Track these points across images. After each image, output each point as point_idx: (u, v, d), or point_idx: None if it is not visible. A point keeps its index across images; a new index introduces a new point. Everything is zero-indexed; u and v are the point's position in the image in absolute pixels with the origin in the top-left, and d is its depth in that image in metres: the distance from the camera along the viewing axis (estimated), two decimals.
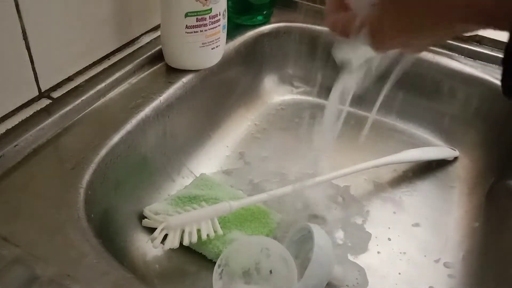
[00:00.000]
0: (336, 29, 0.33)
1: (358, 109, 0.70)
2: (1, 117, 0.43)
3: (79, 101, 0.48)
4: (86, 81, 0.50)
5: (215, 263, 0.42)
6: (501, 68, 0.27)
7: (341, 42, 0.34)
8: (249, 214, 0.50)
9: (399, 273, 0.48)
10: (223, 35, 0.56)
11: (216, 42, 0.55)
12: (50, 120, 0.45)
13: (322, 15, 0.70)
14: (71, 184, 0.40)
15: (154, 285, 0.44)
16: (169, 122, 0.52)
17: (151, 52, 0.56)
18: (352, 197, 0.56)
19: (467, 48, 0.64)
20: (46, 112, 0.46)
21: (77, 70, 0.50)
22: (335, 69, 0.45)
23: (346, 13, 0.32)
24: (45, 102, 0.47)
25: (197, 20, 0.51)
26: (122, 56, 0.55)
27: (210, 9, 0.52)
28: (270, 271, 0.43)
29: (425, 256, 0.50)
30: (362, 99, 0.69)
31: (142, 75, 0.54)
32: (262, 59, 0.69)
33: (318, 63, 0.70)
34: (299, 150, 0.62)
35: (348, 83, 0.41)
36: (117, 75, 0.52)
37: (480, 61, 0.63)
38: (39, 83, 0.46)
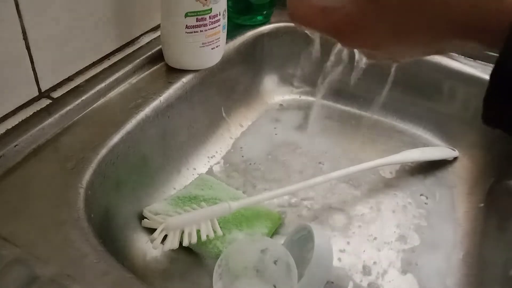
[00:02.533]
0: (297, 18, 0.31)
1: (358, 109, 0.70)
2: (1, 117, 0.43)
3: (79, 101, 0.48)
4: (86, 81, 0.50)
5: (215, 263, 0.42)
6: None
7: None
8: (249, 214, 0.50)
9: (399, 273, 0.48)
10: (223, 35, 0.56)
11: (216, 42, 0.55)
12: (50, 120, 0.45)
13: None
14: (71, 184, 0.40)
15: (154, 285, 0.44)
16: (169, 122, 0.52)
17: (151, 52, 0.56)
18: (351, 198, 0.56)
19: None
20: (46, 112, 0.46)
21: (77, 70, 0.50)
22: (335, 69, 0.45)
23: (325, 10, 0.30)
24: (45, 102, 0.47)
25: (197, 20, 0.51)
26: (122, 56, 0.55)
27: (210, 9, 0.52)
28: (270, 271, 0.43)
29: (424, 255, 0.50)
30: (362, 99, 0.69)
31: (142, 75, 0.54)
32: (262, 59, 0.69)
33: (318, 62, 0.70)
34: (299, 151, 0.62)
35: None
36: (117, 75, 0.52)
37: (480, 61, 0.63)
38: (39, 83, 0.46)
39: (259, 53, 0.68)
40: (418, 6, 0.26)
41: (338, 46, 0.37)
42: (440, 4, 0.25)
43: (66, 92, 0.48)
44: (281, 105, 0.71)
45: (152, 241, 0.43)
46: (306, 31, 0.32)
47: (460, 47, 0.28)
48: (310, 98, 0.72)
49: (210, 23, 0.52)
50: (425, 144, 0.65)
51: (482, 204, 0.55)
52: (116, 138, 0.45)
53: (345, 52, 0.40)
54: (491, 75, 0.25)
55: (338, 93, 0.70)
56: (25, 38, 0.43)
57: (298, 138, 0.65)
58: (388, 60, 0.32)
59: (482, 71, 0.61)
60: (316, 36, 0.39)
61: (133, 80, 0.53)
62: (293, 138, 0.64)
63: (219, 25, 0.54)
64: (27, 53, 0.43)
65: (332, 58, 0.41)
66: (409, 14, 0.26)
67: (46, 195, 0.39)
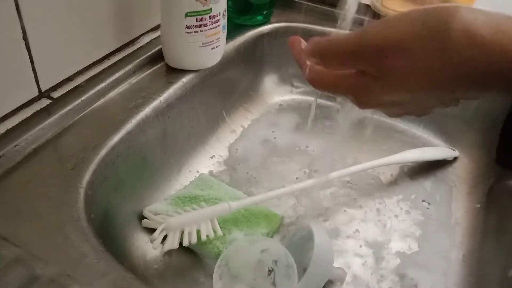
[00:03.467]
0: (318, 85, 0.33)
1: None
2: (1, 117, 0.43)
3: (79, 101, 0.48)
4: (86, 81, 0.50)
5: (215, 263, 0.42)
6: None
7: None
8: (249, 214, 0.50)
9: (399, 273, 0.48)
10: (223, 35, 0.56)
11: (216, 42, 0.55)
12: (50, 120, 0.45)
13: (322, 15, 0.71)
14: (71, 184, 0.40)
15: (154, 285, 0.44)
16: (169, 122, 0.52)
17: (151, 52, 0.56)
18: (351, 198, 0.56)
19: None
20: (46, 112, 0.46)
21: (77, 70, 0.50)
22: None
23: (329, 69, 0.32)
24: (45, 102, 0.47)
25: (197, 20, 0.51)
26: (122, 56, 0.55)
27: (210, 9, 0.52)
28: (271, 271, 0.43)
29: (425, 256, 0.50)
30: None
31: (142, 75, 0.54)
32: (262, 59, 0.69)
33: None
34: (299, 150, 0.62)
35: None
36: (117, 75, 0.52)
37: None
38: (39, 83, 0.46)
39: (259, 53, 0.68)
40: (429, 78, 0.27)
41: None
42: (454, 63, 0.26)
43: (66, 92, 0.48)
44: (281, 105, 0.71)
45: (152, 241, 0.43)
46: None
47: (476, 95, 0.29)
48: (310, 98, 0.72)
49: (210, 23, 0.52)
50: (425, 144, 0.65)
51: (481, 205, 0.55)
52: (116, 138, 0.45)
53: None
54: (503, 127, 0.26)
55: None
56: (25, 38, 0.43)
57: (298, 138, 0.64)
58: (404, 115, 0.35)
59: None
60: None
61: (133, 80, 0.53)
62: (293, 138, 0.64)
63: (219, 25, 0.54)
64: (27, 53, 0.43)
65: None
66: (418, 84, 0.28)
67: (46, 195, 0.39)
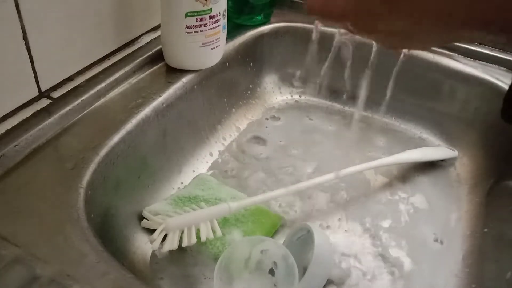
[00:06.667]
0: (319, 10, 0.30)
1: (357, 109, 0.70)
2: (1, 117, 0.43)
3: (79, 101, 0.48)
4: (86, 81, 0.50)
5: (215, 263, 0.42)
6: (501, 68, 0.27)
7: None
8: (249, 215, 0.50)
9: (399, 273, 0.48)
10: (223, 35, 0.56)
11: (216, 42, 0.55)
12: (50, 120, 0.45)
13: None
14: (71, 184, 0.40)
15: (154, 285, 0.44)
16: (169, 122, 0.52)
17: (151, 52, 0.56)
18: (351, 198, 0.56)
19: (467, 48, 0.64)
20: (46, 112, 0.46)
21: (77, 70, 0.50)
22: (335, 68, 0.45)
23: None
24: (45, 102, 0.47)
25: (197, 20, 0.51)
26: (122, 56, 0.55)
27: (210, 9, 0.52)
28: (271, 272, 0.43)
29: (424, 256, 0.50)
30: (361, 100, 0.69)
31: (142, 75, 0.54)
32: (262, 59, 0.69)
33: (318, 63, 0.70)
34: (299, 150, 0.62)
35: None
36: (117, 75, 0.52)
37: (480, 61, 0.63)
38: (39, 83, 0.46)
39: (259, 53, 0.68)
40: None
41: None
42: None
43: (66, 92, 0.48)
44: (280, 105, 0.71)
45: (151, 242, 0.42)
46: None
47: (478, 36, 0.27)
48: (310, 98, 0.72)
49: (210, 23, 0.52)
50: (425, 144, 0.65)
51: (481, 205, 0.55)
52: (116, 138, 0.45)
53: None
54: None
55: (337, 92, 0.70)
56: (25, 38, 0.43)
57: (297, 138, 0.65)
58: (401, 47, 0.31)
59: (482, 71, 0.61)
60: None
61: (133, 80, 0.53)
62: (293, 138, 0.64)
63: (219, 25, 0.54)
64: (27, 53, 0.43)
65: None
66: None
67: (46, 195, 0.39)
